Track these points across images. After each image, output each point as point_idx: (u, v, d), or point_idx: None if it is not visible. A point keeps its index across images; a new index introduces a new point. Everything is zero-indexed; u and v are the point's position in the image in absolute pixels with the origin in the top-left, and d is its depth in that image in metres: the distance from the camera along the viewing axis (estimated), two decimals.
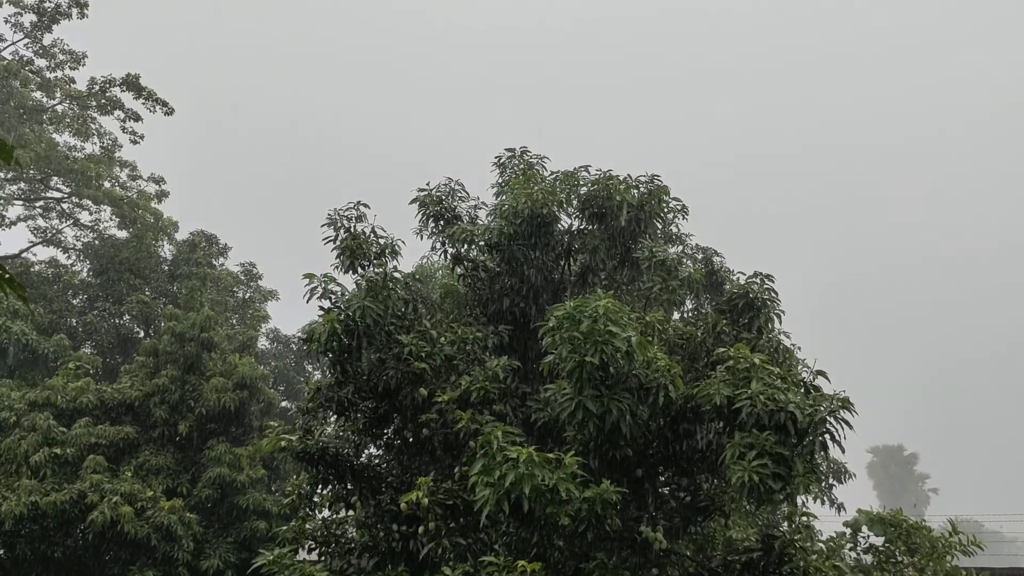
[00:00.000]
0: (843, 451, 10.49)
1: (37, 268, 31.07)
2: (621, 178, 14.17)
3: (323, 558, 13.01)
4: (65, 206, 34.11)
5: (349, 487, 13.37)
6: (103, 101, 32.58)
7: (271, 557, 11.92)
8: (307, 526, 13.66)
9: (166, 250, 33.31)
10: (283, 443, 13.04)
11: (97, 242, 33.18)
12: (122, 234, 32.87)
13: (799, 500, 13.60)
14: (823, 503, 21.50)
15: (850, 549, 15.37)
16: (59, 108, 32.98)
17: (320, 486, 13.72)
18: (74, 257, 33.85)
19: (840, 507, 21.35)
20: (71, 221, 34.26)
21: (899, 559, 14.02)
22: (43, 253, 33.89)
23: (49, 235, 34.13)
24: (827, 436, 10.14)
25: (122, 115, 32.84)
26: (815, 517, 13.03)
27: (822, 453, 10.33)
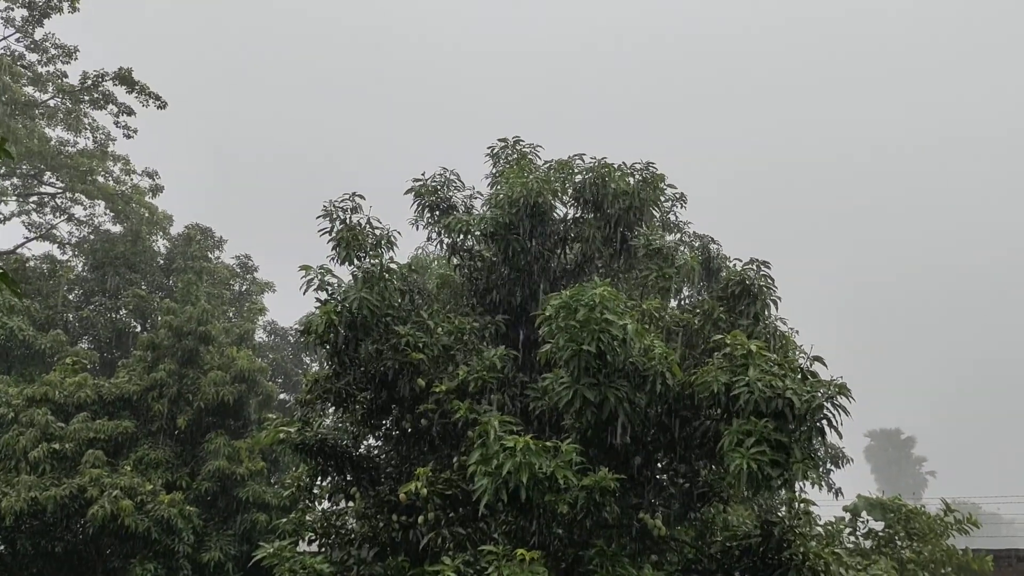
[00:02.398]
0: (840, 436, 10.53)
1: (32, 264, 30.99)
2: (616, 166, 14.15)
3: (323, 549, 13.03)
4: (59, 201, 34.02)
5: (348, 478, 13.39)
6: (95, 95, 32.44)
7: (272, 549, 11.95)
8: (307, 518, 13.70)
9: (161, 244, 33.27)
10: (282, 435, 13.04)
11: (92, 237, 33.12)
12: (117, 229, 32.80)
13: (797, 485, 13.63)
14: (821, 488, 21.55)
15: (849, 534, 15.44)
16: (51, 103, 32.84)
17: (319, 478, 13.74)
18: (69, 252, 33.81)
19: (838, 492, 21.38)
20: (65, 216, 34.20)
21: (898, 543, 14.11)
22: (38, 248, 33.90)
23: (44, 230, 34.06)
24: (824, 422, 10.17)
25: (115, 109, 32.70)
26: (814, 504, 13.08)
27: (819, 439, 10.36)
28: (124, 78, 31.98)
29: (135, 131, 33.26)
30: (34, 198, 33.89)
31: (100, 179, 32.65)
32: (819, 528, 13.00)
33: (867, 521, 16.25)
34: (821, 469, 20.79)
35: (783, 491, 12.89)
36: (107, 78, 32.09)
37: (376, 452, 14.19)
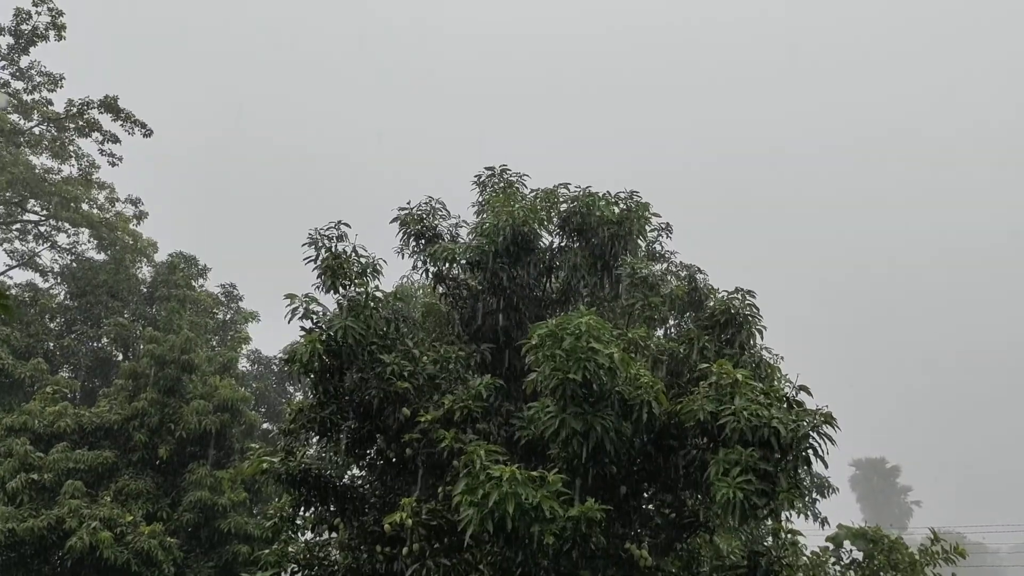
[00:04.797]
0: (826, 466, 10.52)
1: (14, 291, 30.74)
2: (601, 195, 14.21)
3: None
4: (42, 228, 33.85)
5: (332, 509, 13.25)
6: (81, 123, 32.42)
7: None
8: (290, 549, 13.52)
9: (145, 272, 33.10)
10: (265, 465, 12.92)
11: (75, 264, 32.92)
12: (100, 256, 32.63)
13: (783, 515, 13.62)
14: (807, 517, 21.55)
15: (833, 564, 15.41)
16: (36, 130, 32.78)
17: (302, 508, 13.59)
18: (52, 280, 33.59)
19: (824, 521, 21.39)
20: (48, 244, 34.02)
21: (882, 574, 14.07)
22: (20, 276, 33.63)
23: (26, 258, 33.85)
24: (810, 451, 10.16)
25: (100, 137, 32.66)
26: (800, 534, 13.05)
27: (805, 468, 10.35)
28: (109, 106, 31.99)
29: (120, 159, 33.23)
30: (17, 225, 33.70)
31: (84, 207, 32.54)
32: (805, 558, 12.96)
33: (850, 551, 16.23)
34: (807, 498, 20.79)
35: (769, 521, 12.86)
36: (92, 106, 32.09)
37: (360, 482, 14.06)
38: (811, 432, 10.12)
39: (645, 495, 12.32)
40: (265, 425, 28.05)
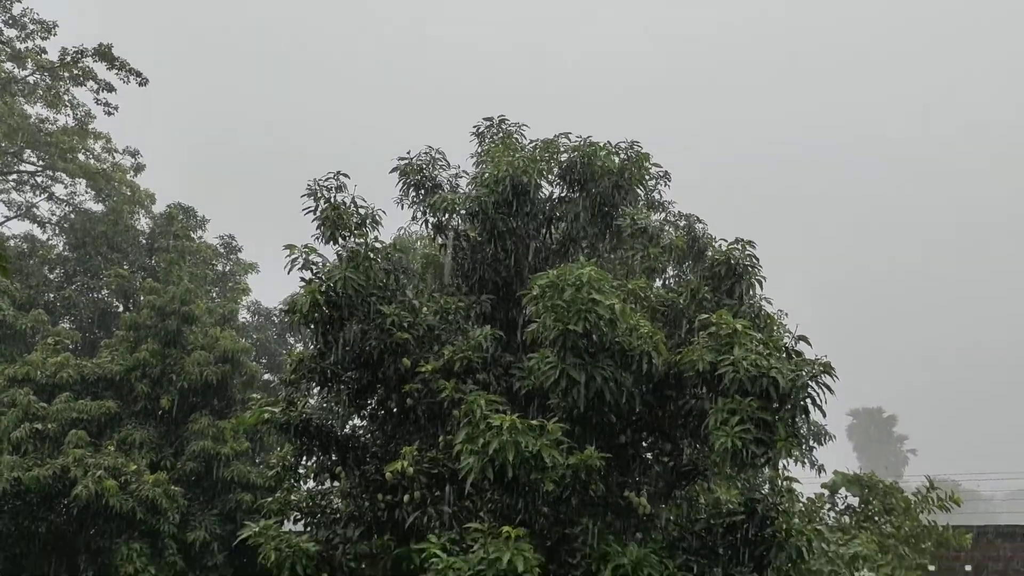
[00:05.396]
0: (824, 415, 10.62)
1: (13, 243, 30.68)
2: (601, 144, 14.11)
3: (309, 529, 13.05)
4: (39, 179, 33.65)
5: (333, 458, 13.39)
6: (75, 72, 32.00)
7: (257, 528, 11.94)
8: (292, 497, 13.70)
9: (143, 223, 32.97)
10: (266, 415, 13.02)
11: (73, 215, 32.79)
12: (98, 207, 32.49)
13: (780, 463, 13.78)
14: (804, 465, 21.78)
15: (829, 510, 15.62)
16: (30, 79, 32.40)
17: (304, 457, 13.74)
18: (50, 231, 33.48)
19: (820, 468, 21.63)
20: (46, 195, 33.83)
21: (877, 519, 14.28)
22: (18, 227, 33.53)
23: (24, 209, 33.71)
24: (808, 400, 10.24)
25: (95, 86, 32.28)
26: (797, 481, 13.20)
27: (803, 417, 10.43)
28: (104, 54, 31.54)
29: (116, 108, 32.86)
30: (13, 176, 33.51)
31: (81, 157, 32.30)
32: (801, 505, 13.14)
33: (846, 497, 16.46)
34: (804, 447, 21.00)
35: (766, 469, 13.00)
36: (87, 54, 31.65)
37: (361, 432, 14.18)
38: (809, 382, 10.19)
39: (644, 444, 12.44)
40: (266, 376, 28.21)
